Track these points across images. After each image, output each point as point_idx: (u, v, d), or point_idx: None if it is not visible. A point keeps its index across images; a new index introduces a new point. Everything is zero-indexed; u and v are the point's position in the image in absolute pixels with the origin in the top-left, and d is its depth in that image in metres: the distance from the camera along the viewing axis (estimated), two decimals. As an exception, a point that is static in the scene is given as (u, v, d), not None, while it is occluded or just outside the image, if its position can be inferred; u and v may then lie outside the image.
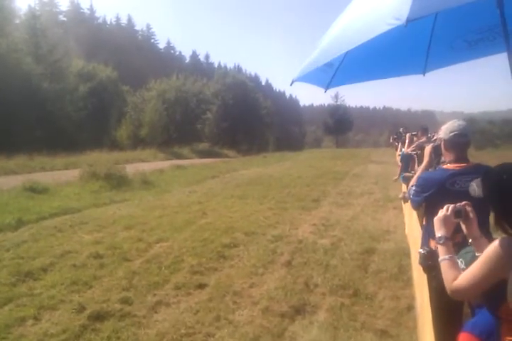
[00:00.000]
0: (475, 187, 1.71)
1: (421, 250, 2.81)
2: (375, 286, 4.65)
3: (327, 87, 3.17)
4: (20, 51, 33.96)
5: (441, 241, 1.75)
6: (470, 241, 1.82)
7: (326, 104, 73.46)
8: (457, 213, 1.77)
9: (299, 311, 4.01)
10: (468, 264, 1.64)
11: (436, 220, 1.80)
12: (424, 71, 3.25)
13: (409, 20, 1.58)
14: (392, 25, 1.69)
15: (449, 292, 1.61)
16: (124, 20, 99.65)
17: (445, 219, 1.78)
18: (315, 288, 4.57)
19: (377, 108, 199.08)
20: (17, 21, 41.79)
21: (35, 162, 20.08)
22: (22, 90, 30.07)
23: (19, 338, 3.56)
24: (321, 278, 4.82)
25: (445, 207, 1.80)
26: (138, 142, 38.69)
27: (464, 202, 1.81)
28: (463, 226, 1.82)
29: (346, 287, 4.56)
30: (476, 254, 1.77)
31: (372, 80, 3.49)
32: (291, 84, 2.76)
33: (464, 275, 1.56)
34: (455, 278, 1.58)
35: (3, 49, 31.46)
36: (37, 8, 59.16)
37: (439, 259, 1.74)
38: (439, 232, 1.78)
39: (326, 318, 3.85)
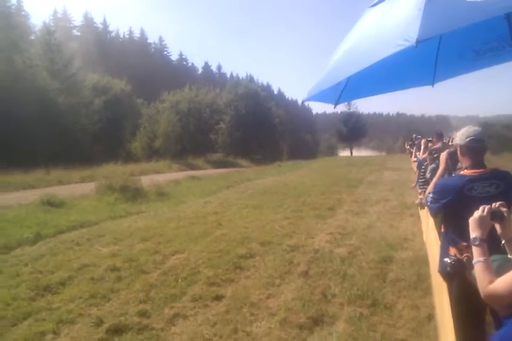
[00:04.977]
0: None
1: (447, 259, 2.76)
2: (394, 295, 4.57)
3: (336, 103, 3.19)
4: (36, 66, 34.68)
5: (476, 243, 1.70)
6: (503, 242, 1.76)
7: (339, 112, 73.09)
8: (493, 214, 1.73)
9: (317, 322, 3.96)
10: (495, 273, 1.60)
11: (472, 221, 1.76)
12: (432, 82, 3.24)
13: (419, 41, 1.59)
14: (401, 46, 1.71)
15: (482, 296, 1.56)
16: (136, 34, 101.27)
17: (481, 220, 1.73)
18: (333, 298, 4.51)
19: (391, 114, 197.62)
20: (32, 37, 42.87)
21: (52, 176, 20.38)
22: (38, 105, 30.64)
23: (39, 353, 3.58)
24: (338, 288, 4.77)
25: (481, 208, 1.76)
26: (152, 153, 39.07)
27: (498, 203, 1.77)
28: (497, 227, 1.77)
29: (365, 297, 4.50)
30: (509, 256, 1.73)
31: (380, 94, 3.50)
32: (300, 104, 2.80)
33: (503, 280, 1.49)
34: (490, 282, 1.53)
35: (20, 65, 32.17)
36: (51, 23, 60.63)
37: (473, 261, 1.68)
38: (474, 233, 1.73)
39: (345, 329, 3.79)
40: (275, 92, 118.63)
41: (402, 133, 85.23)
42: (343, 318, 4.02)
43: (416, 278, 5.06)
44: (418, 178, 9.10)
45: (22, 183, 17.92)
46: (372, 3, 2.41)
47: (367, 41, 2.29)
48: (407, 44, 1.65)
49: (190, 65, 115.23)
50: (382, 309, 4.21)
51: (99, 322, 4.06)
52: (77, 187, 15.76)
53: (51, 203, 10.97)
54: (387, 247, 6.49)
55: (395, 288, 4.78)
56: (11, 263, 6.23)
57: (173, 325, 4.05)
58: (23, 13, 52.95)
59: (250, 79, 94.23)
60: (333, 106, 3.30)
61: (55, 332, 3.94)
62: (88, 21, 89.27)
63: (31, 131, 29.15)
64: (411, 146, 16.81)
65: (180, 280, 5.22)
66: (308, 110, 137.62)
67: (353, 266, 5.60)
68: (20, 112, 28.68)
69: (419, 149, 10.27)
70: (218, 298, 4.67)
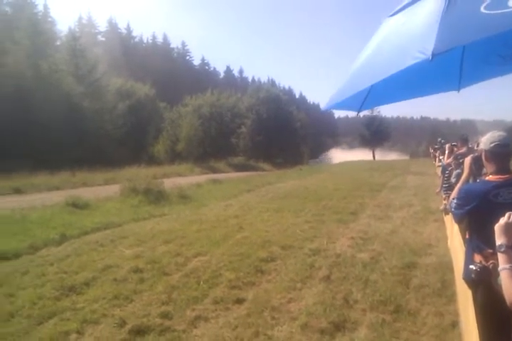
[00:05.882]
0: None
1: (472, 266, 2.71)
2: (418, 302, 4.50)
3: (359, 110, 3.18)
4: (62, 72, 35.53)
5: (501, 250, 1.67)
6: None
7: (361, 116, 72.51)
8: None
9: (338, 327, 3.93)
10: None
11: (498, 228, 1.73)
12: (458, 88, 3.18)
13: (434, 55, 1.58)
14: (417, 59, 1.70)
15: (508, 303, 1.54)
16: (160, 39, 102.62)
17: (507, 227, 1.70)
18: (355, 304, 4.47)
19: (415, 118, 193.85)
20: (58, 43, 43.93)
21: (77, 178, 20.83)
22: (63, 109, 31.35)
23: (64, 352, 3.66)
24: (360, 294, 4.72)
25: (507, 215, 1.73)
26: (175, 157, 39.47)
27: None
28: None
29: (387, 303, 4.44)
30: None
31: (405, 100, 3.46)
32: (323, 111, 2.80)
33: None
34: None
35: (46, 70, 33.01)
36: (77, 29, 61.95)
37: (499, 268, 1.66)
38: (499, 240, 1.70)
39: (367, 335, 3.75)
40: (297, 96, 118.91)
41: (426, 137, 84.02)
42: (365, 324, 3.98)
43: (440, 284, 4.98)
44: (442, 183, 8.96)
45: (47, 185, 18.37)
46: (392, 13, 2.42)
47: (385, 51, 2.29)
48: (423, 57, 1.65)
49: (212, 69, 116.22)
50: (406, 315, 4.15)
51: (122, 323, 4.12)
52: (101, 189, 16.04)
53: (76, 205, 11.20)
54: (410, 253, 6.39)
55: (419, 295, 4.71)
56: (37, 263, 6.39)
57: (195, 327, 4.08)
58: (49, 19, 54.18)
59: (272, 83, 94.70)
60: (356, 113, 3.29)
61: (80, 332, 4.01)
62: (112, 27, 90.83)
63: (56, 134, 29.84)
64: (435, 150, 16.61)
65: (201, 283, 5.25)
66: (330, 114, 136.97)
67: (376, 271, 5.54)
68: (46, 116, 29.40)
69: (443, 154, 10.12)
70: (240, 301, 4.68)
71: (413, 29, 2.02)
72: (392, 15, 2.41)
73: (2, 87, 28.92)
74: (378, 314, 4.18)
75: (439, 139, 16.96)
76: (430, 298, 4.62)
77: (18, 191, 16.94)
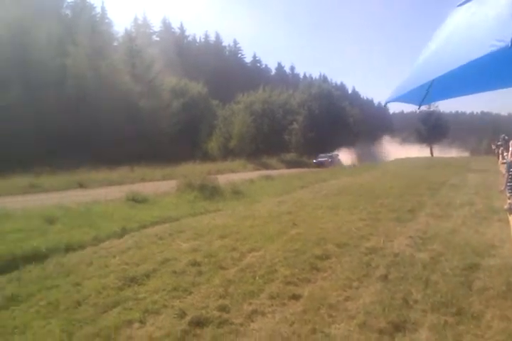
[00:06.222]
0: None
1: None
2: (482, 305, 4.30)
3: (420, 104, 3.10)
4: (119, 71, 37.04)
5: None
6: None
7: (417, 111, 70.04)
8: None
9: (398, 328, 3.83)
10: None
11: None
12: None
13: None
14: (494, 47, 1.64)
15: None
16: (212, 37, 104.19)
17: None
18: (415, 305, 4.34)
19: (475, 113, 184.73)
20: (115, 44, 45.77)
21: (135, 173, 21.72)
22: (122, 108, 32.74)
23: (128, 340, 3.82)
24: (420, 294, 4.58)
25: None
26: (228, 153, 40.16)
27: None
28: None
29: (449, 305, 4.28)
30: None
31: (468, 95, 3.33)
32: (384, 105, 2.77)
33: None
34: None
35: (104, 70, 34.58)
36: (132, 30, 64.17)
37: None
38: None
39: (429, 337, 3.64)
40: (349, 91, 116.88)
41: (487, 133, 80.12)
42: (426, 325, 3.85)
43: (505, 287, 4.73)
44: (507, 181, 8.51)
45: (108, 179, 19.30)
46: (461, 2, 2.34)
47: (456, 41, 2.23)
48: (501, 44, 1.59)
49: (263, 66, 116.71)
50: (469, 318, 3.98)
51: (182, 314, 4.23)
52: (159, 185, 16.60)
53: (135, 199, 11.68)
54: (472, 254, 6.11)
55: (483, 297, 4.50)
56: (101, 255, 6.72)
57: (252, 321, 4.12)
58: (106, 20, 56.39)
59: (324, 79, 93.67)
60: (417, 107, 3.22)
61: (142, 321, 4.16)
62: (166, 27, 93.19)
63: (115, 131, 31.20)
64: (498, 147, 15.84)
65: (257, 278, 5.29)
66: (385, 109, 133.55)
67: (436, 272, 5.35)
68: (105, 114, 30.80)
69: (507, 150, 9.60)
70: (295, 297, 4.67)
71: (486, 18, 1.96)
72: (461, 5, 2.34)
73: (65, 88, 30.57)
74: (440, 316, 4.04)
75: (503, 135, 16.16)
76: (495, 300, 4.41)
77: (81, 185, 17.92)
